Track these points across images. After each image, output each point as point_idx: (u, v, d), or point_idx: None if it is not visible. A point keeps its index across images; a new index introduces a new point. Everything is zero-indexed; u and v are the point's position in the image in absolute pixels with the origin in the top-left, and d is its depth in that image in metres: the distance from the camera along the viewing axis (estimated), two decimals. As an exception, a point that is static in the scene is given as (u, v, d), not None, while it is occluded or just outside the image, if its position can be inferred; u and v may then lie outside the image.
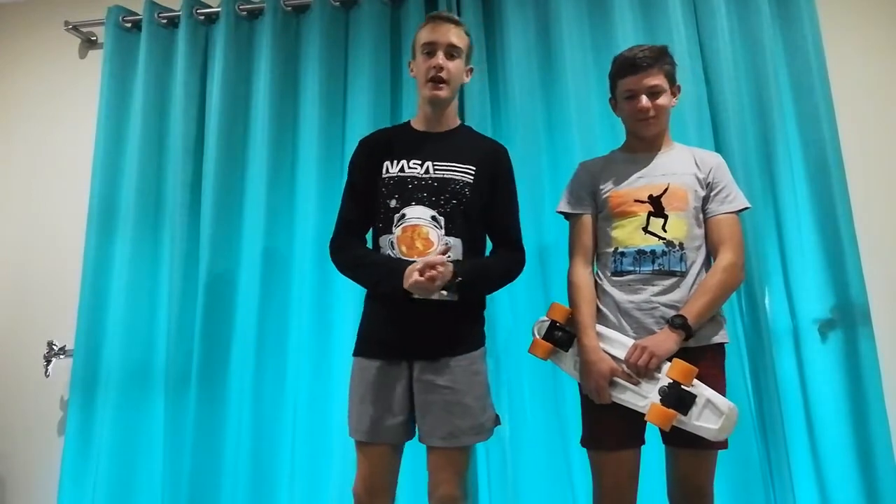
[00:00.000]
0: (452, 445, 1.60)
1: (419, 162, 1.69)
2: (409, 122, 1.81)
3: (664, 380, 1.52)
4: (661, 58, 1.67)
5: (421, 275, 1.53)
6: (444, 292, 1.59)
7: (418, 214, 1.65)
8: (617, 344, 1.61)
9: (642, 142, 1.73)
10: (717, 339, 1.63)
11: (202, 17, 2.51)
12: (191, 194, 2.37)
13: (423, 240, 1.63)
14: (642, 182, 1.69)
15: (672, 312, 1.59)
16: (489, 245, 1.78)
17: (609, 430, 1.60)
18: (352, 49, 2.41)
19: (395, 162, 1.70)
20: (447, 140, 1.75)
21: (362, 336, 1.70)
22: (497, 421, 1.68)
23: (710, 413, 1.48)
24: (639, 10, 2.25)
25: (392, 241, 1.65)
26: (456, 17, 1.76)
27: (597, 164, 1.80)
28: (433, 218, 1.65)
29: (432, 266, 1.53)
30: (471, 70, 1.78)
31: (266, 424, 2.20)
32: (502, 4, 2.31)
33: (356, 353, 1.69)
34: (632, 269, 1.65)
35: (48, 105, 2.73)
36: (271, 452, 2.20)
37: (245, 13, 2.48)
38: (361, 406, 1.62)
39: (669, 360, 1.53)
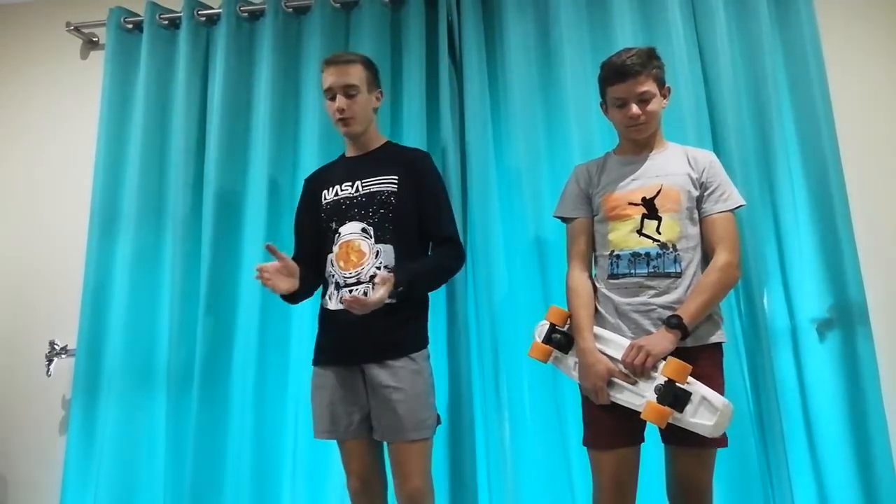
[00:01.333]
0: (402, 440, 1.69)
1: (350, 183, 1.84)
2: (343, 153, 1.95)
3: (659, 378, 1.53)
4: (649, 62, 1.66)
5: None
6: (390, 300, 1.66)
7: (349, 230, 1.79)
8: (614, 345, 1.62)
9: (635, 144, 1.74)
10: (714, 338, 1.64)
11: (203, 19, 2.52)
12: (192, 195, 2.37)
13: (356, 252, 1.76)
14: (636, 184, 1.69)
15: (670, 313, 1.60)
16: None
17: (608, 428, 1.61)
18: (352, 50, 2.42)
19: (331, 189, 1.86)
20: (372, 158, 1.88)
21: (318, 346, 1.84)
22: (438, 420, 1.78)
23: (706, 410, 1.49)
24: (638, 12, 2.26)
25: (331, 259, 1.79)
26: (348, 56, 1.86)
27: (591, 167, 1.81)
28: (363, 230, 1.78)
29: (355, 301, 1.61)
30: (380, 94, 1.90)
31: (268, 424, 2.20)
32: (502, 6, 2.32)
33: (314, 362, 1.83)
34: (627, 271, 1.66)
35: (50, 106, 2.74)
36: (273, 452, 2.21)
37: (246, 14, 2.49)
38: (326, 409, 1.75)
39: (665, 358, 1.54)
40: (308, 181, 1.98)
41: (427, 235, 1.83)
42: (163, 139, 2.48)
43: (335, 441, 1.79)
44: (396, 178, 1.81)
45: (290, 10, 2.47)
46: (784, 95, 2.19)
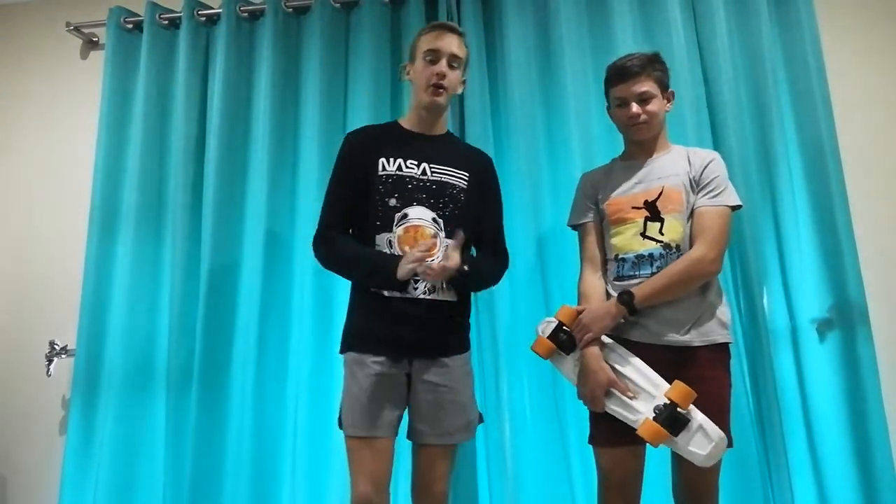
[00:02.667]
0: (447, 443, 1.65)
1: (415, 162, 1.70)
2: (397, 121, 1.82)
3: (661, 399, 1.53)
4: (650, 65, 1.68)
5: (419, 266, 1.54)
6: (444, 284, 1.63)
7: (420, 215, 1.67)
8: (619, 358, 1.62)
9: (639, 147, 1.75)
10: (719, 338, 1.64)
11: (203, 19, 2.52)
12: (192, 195, 2.37)
13: (426, 241, 1.64)
14: (639, 188, 1.70)
15: (674, 313, 1.61)
16: None
17: (614, 427, 1.61)
18: (352, 50, 2.42)
19: (392, 160, 1.70)
20: (439, 144, 1.77)
21: (359, 332, 1.69)
22: (481, 419, 1.74)
23: (701, 438, 1.50)
24: (638, 13, 2.26)
25: (391, 240, 1.65)
26: (459, 28, 1.79)
27: (597, 174, 1.82)
28: (434, 220, 1.68)
29: (424, 257, 1.54)
30: (464, 82, 1.82)
31: (267, 424, 2.20)
32: (502, 6, 2.32)
33: (354, 349, 1.68)
34: (632, 273, 1.66)
35: (50, 106, 2.73)
36: (273, 452, 2.20)
37: (246, 14, 2.49)
38: (364, 402, 1.61)
39: (670, 381, 1.54)
40: (357, 140, 1.78)
41: (480, 243, 1.80)
42: (163, 139, 2.48)
43: (360, 437, 1.60)
44: (467, 175, 1.74)
45: (290, 10, 2.47)
46: (784, 95, 2.19)
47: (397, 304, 1.63)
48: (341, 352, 1.72)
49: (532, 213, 2.17)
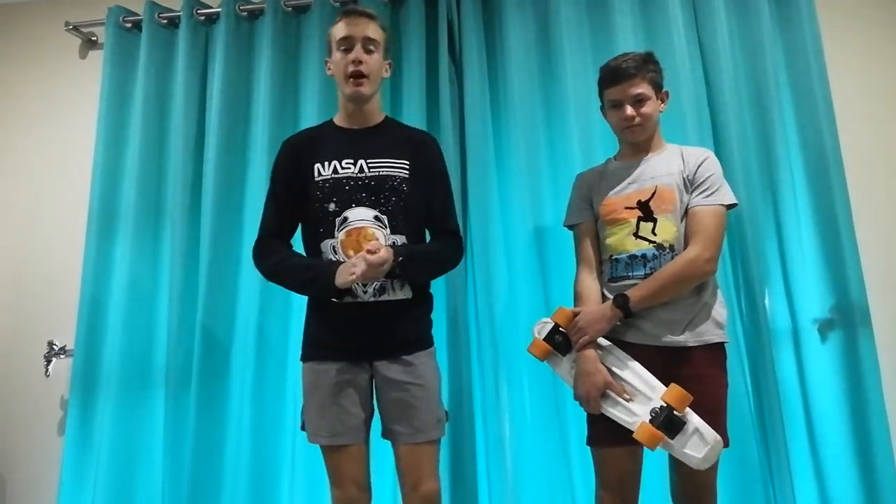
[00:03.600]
0: (425, 440, 1.61)
1: (351, 161, 1.66)
2: (331, 120, 1.78)
3: (657, 401, 1.53)
4: (644, 66, 1.67)
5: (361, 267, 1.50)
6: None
7: (361, 216, 1.63)
8: (617, 361, 1.62)
9: (633, 147, 1.75)
10: (714, 338, 1.63)
11: (202, 18, 2.51)
12: (191, 194, 2.37)
13: (370, 241, 1.58)
14: (632, 188, 1.70)
15: (669, 314, 1.61)
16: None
17: (612, 427, 1.60)
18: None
19: (327, 163, 1.66)
20: (375, 136, 1.72)
21: (314, 340, 1.68)
22: (448, 416, 1.71)
23: (697, 442, 1.49)
24: (638, 11, 2.26)
25: (334, 246, 1.64)
26: (370, 11, 1.73)
27: (592, 174, 1.82)
28: (376, 218, 1.64)
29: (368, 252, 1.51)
30: (390, 65, 1.75)
31: (266, 424, 2.20)
32: (502, 6, 2.31)
33: (310, 357, 1.67)
34: (625, 274, 1.66)
35: (48, 105, 2.73)
36: (272, 452, 2.20)
37: (245, 13, 2.48)
38: (329, 409, 1.60)
39: (665, 381, 1.54)
40: (291, 146, 1.74)
41: (430, 226, 1.76)
42: (162, 138, 2.47)
43: (326, 445, 1.62)
44: (407, 163, 1.68)
45: (290, 9, 2.47)
46: (785, 95, 2.18)
47: (348, 309, 1.61)
48: (301, 360, 1.70)
49: (532, 212, 2.16)
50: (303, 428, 1.67)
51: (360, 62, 1.64)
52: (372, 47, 1.67)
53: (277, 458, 2.21)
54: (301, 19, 2.48)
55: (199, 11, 2.51)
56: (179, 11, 2.51)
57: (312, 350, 1.68)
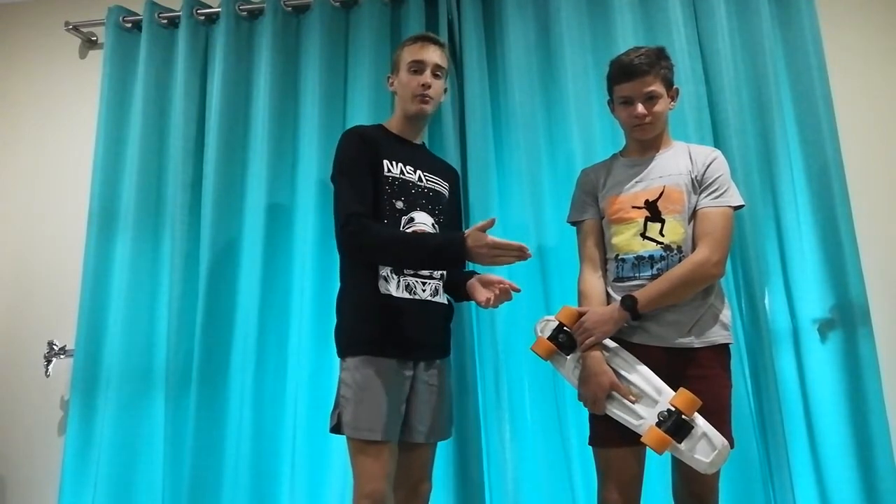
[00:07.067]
0: (436, 441, 1.73)
1: (412, 168, 1.76)
2: (382, 125, 1.84)
3: (663, 405, 1.52)
4: (657, 62, 1.64)
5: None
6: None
7: (424, 220, 1.72)
8: (624, 363, 1.61)
9: (640, 144, 1.73)
10: (720, 339, 1.63)
11: (202, 18, 2.51)
12: (191, 194, 2.36)
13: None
14: (640, 187, 1.68)
15: (676, 316, 1.60)
16: None
17: (614, 428, 1.60)
18: (352, 49, 2.41)
19: (395, 163, 1.73)
20: (424, 153, 1.86)
21: (372, 335, 1.64)
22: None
23: (705, 446, 1.49)
24: (639, 12, 2.25)
25: None
26: (442, 40, 1.85)
27: (597, 170, 1.80)
28: (433, 226, 1.74)
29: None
30: (446, 90, 1.88)
31: (267, 424, 2.19)
32: (502, 6, 2.31)
33: (368, 352, 1.62)
34: (632, 274, 1.65)
35: (48, 105, 2.73)
36: (272, 453, 2.20)
37: (245, 13, 2.48)
38: (380, 406, 1.58)
39: (669, 382, 1.54)
40: (362, 136, 1.73)
41: None
42: (161, 138, 2.47)
43: (374, 441, 1.56)
44: (447, 185, 1.84)
45: (290, 8, 2.46)
46: (785, 94, 2.18)
47: (405, 304, 1.65)
48: (347, 355, 1.66)
49: (532, 212, 2.16)
50: (337, 423, 1.62)
51: (430, 86, 1.74)
52: (439, 73, 1.78)
53: (277, 459, 2.20)
54: (301, 19, 2.48)
55: (198, 11, 2.51)
56: (179, 11, 2.51)
57: (366, 346, 1.63)
